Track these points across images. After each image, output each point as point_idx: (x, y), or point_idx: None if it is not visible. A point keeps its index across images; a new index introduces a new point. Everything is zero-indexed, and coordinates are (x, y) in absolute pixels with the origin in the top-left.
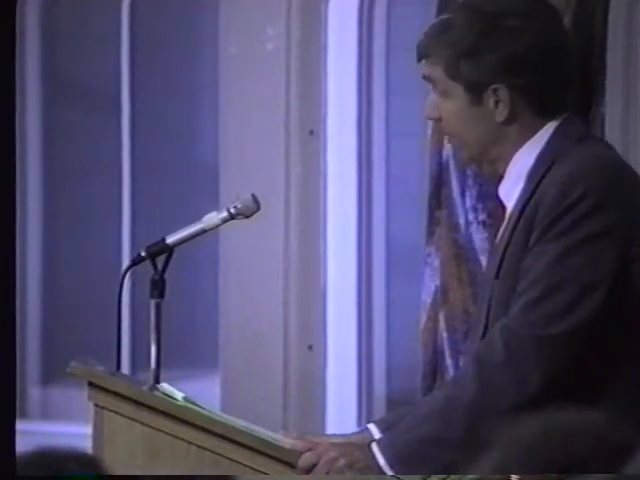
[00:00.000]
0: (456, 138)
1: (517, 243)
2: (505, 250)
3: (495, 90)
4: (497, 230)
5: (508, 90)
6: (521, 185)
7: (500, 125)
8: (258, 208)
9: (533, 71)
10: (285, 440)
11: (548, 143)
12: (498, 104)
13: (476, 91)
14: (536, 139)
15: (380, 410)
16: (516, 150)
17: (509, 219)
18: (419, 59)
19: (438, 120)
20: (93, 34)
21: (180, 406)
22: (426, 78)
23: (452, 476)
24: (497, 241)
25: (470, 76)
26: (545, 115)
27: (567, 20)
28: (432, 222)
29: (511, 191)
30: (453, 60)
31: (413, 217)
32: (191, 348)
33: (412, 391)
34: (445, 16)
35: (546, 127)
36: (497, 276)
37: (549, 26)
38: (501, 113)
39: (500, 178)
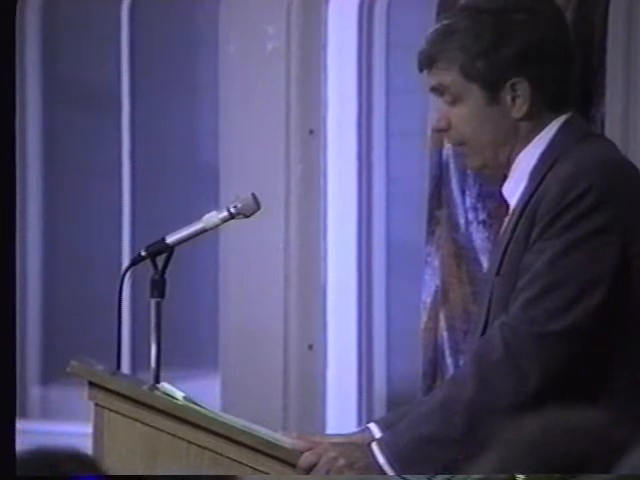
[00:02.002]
0: (467, 144)
1: (518, 240)
2: (506, 247)
3: (513, 85)
4: (497, 230)
5: (527, 83)
6: (524, 183)
7: (515, 122)
8: (258, 208)
9: (549, 62)
10: (285, 440)
11: (552, 142)
12: (515, 100)
13: (493, 88)
14: (541, 137)
15: (380, 410)
16: (523, 148)
17: (511, 216)
18: (424, 68)
19: (446, 130)
20: (93, 34)
21: (180, 405)
22: (434, 89)
23: (457, 476)
24: (499, 238)
25: (487, 74)
26: (556, 109)
27: (568, 18)
28: (432, 222)
29: (514, 189)
30: (468, 60)
31: (413, 217)
32: (191, 348)
33: (412, 391)
34: (446, 21)
35: (552, 124)
36: (498, 273)
37: (555, 19)
38: (519, 109)
39: (503, 177)
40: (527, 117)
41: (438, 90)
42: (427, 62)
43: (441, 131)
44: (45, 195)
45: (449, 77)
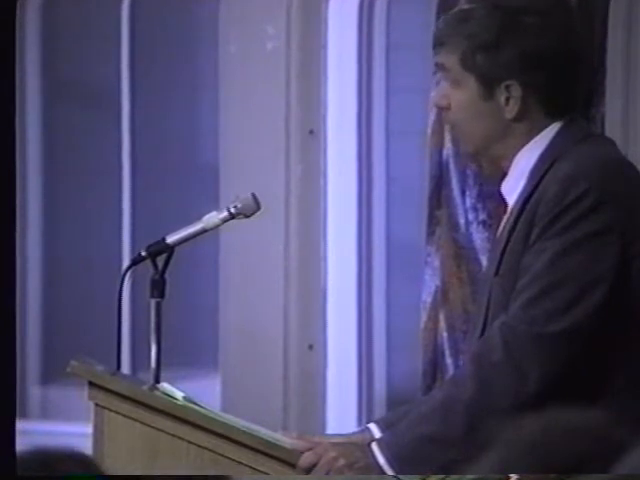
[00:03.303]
0: (461, 130)
1: (517, 240)
2: (505, 247)
3: (507, 86)
4: (497, 229)
5: (520, 87)
6: (523, 183)
7: (508, 122)
8: (258, 208)
9: (547, 70)
10: (285, 440)
11: (552, 142)
12: (509, 101)
13: (488, 85)
14: (540, 138)
15: (380, 410)
16: (520, 148)
17: (509, 216)
18: (434, 47)
19: (446, 109)
20: (93, 34)
21: (180, 406)
22: (439, 65)
23: (452, 476)
24: (497, 238)
25: (484, 69)
26: (553, 115)
27: None
28: (432, 222)
29: (514, 187)
30: (469, 51)
31: (413, 217)
32: (191, 348)
33: (412, 391)
34: (466, 6)
35: (551, 127)
36: (496, 273)
37: (567, 27)
38: (511, 110)
39: (503, 175)
40: (519, 119)
41: (443, 68)
42: (435, 42)
43: (442, 109)
44: (45, 195)
45: (450, 61)
